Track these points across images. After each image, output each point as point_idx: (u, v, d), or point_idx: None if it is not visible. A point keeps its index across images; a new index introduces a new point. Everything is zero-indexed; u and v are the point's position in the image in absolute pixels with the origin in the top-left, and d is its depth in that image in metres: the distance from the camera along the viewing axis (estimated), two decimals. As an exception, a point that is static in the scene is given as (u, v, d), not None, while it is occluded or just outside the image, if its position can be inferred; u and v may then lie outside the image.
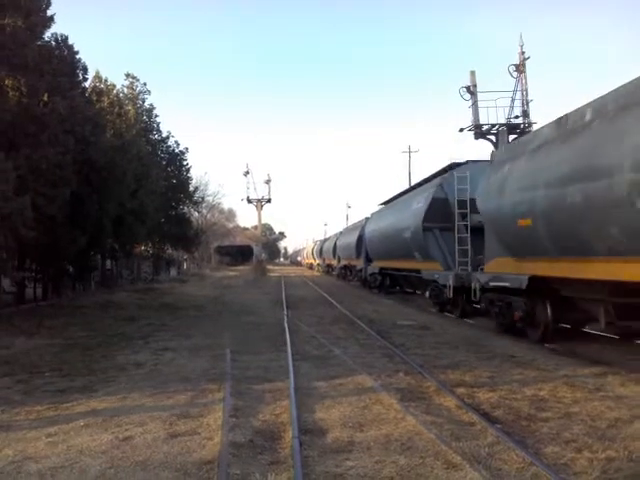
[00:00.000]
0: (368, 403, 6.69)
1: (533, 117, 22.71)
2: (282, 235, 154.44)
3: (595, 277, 8.87)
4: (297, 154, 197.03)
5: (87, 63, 21.91)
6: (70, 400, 7.12)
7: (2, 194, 13.46)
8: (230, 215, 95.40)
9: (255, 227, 68.45)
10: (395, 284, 26.53)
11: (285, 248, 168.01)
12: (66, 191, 17.36)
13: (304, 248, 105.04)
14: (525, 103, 22.89)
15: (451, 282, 15.74)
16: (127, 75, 35.21)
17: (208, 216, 69.54)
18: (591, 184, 8.46)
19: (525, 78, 22.98)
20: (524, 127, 22.46)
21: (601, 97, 9.05)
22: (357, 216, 46.06)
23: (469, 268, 15.53)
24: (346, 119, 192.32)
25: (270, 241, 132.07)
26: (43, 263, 22.35)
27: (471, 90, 23.22)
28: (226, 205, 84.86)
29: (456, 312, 16.72)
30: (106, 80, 31.61)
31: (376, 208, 31.24)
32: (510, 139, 21.89)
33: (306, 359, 9.73)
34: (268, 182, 56.95)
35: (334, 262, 49.78)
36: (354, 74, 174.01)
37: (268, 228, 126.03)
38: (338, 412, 6.35)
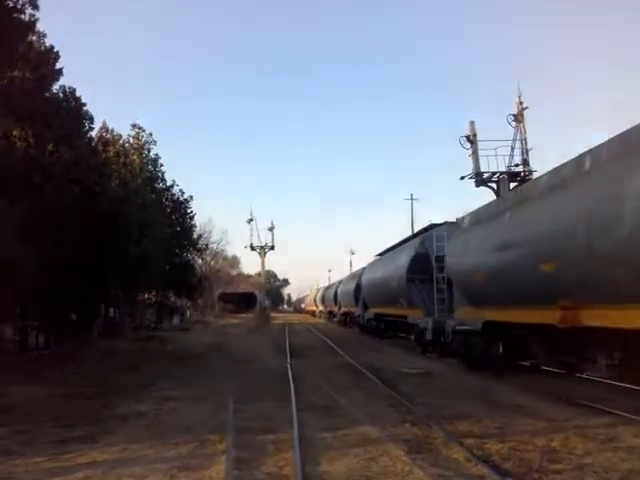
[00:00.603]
0: (374, 455, 6.53)
1: (533, 165, 23.05)
2: (286, 282, 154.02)
3: (517, 320, 11.77)
4: (300, 201, 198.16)
5: (94, 113, 22.44)
6: (70, 451, 6.99)
7: (6, 242, 13.54)
8: (234, 262, 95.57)
9: (259, 274, 68.35)
10: (388, 329, 27.99)
11: (289, 295, 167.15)
12: (70, 239, 17.45)
13: (307, 295, 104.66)
14: (525, 152, 23.24)
15: (430, 326, 18.02)
16: (133, 126, 35.88)
17: (212, 263, 69.60)
18: (513, 251, 11.27)
19: (524, 127, 23.42)
20: (524, 175, 22.72)
21: (516, 189, 12.84)
22: (361, 262, 46.69)
23: (445, 314, 17.37)
24: (349, 165, 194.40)
25: (274, 288, 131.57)
26: (46, 311, 22.28)
27: (471, 139, 23.64)
28: (230, 252, 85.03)
29: (435, 353, 18.49)
30: (112, 130, 32.28)
31: (376, 257, 33.54)
32: (511, 186, 22.17)
33: (310, 409, 9.56)
34: (271, 229, 57.21)
35: (335, 309, 51.40)
36: (357, 122, 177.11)
37: (272, 275, 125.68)
38: (343, 464, 6.19)
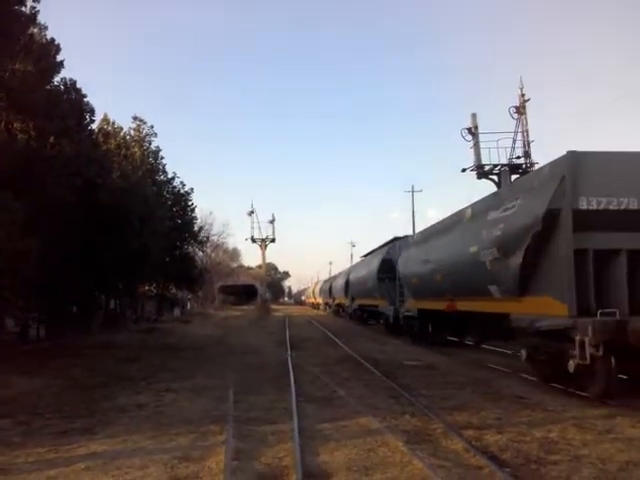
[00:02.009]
0: (374, 445, 6.57)
1: (535, 157, 23.01)
2: (286, 274, 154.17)
3: (431, 308, 17.63)
4: (301, 193, 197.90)
5: (95, 105, 22.36)
6: (71, 442, 7.03)
7: (9, 235, 13.53)
8: (235, 254, 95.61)
9: (259, 266, 68.36)
10: (369, 317, 34.16)
11: (289, 287, 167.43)
12: (72, 232, 17.44)
13: (308, 288, 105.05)
14: (526, 144, 23.19)
15: (392, 313, 24.28)
16: (134, 118, 35.85)
17: (212, 255, 69.63)
18: (428, 265, 16.76)
19: (526, 119, 23.35)
20: (526, 167, 22.68)
21: (433, 224, 18.56)
22: (362, 254, 47.65)
23: (403, 304, 22.30)
24: (350, 157, 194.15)
25: (274, 280, 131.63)
26: (47, 303, 22.32)
27: (472, 131, 23.60)
28: (231, 244, 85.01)
29: (396, 333, 23.75)
30: (114, 123, 32.23)
31: (361, 258, 41.13)
32: (512, 178, 22.13)
33: (310, 400, 9.60)
34: (272, 222, 57.17)
35: (330, 301, 56.91)
36: (359, 112, 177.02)
37: (272, 267, 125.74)
38: (343, 455, 6.23)
